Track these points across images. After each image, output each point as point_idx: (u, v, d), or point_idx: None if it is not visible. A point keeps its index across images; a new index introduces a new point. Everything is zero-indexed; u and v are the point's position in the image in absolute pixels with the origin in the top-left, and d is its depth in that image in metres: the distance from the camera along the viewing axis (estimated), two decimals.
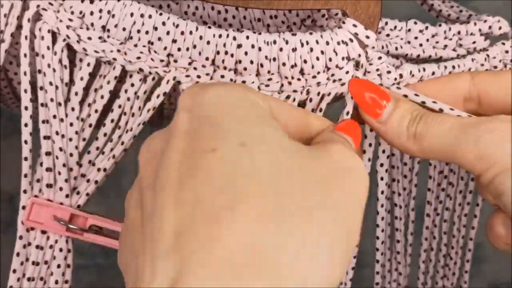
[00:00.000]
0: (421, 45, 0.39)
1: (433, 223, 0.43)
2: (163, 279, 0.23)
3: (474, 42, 0.40)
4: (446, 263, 0.43)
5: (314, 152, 0.28)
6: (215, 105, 0.27)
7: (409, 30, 0.39)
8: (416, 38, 0.39)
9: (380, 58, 0.37)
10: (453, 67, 0.38)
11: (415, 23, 0.39)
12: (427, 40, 0.39)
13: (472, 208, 0.43)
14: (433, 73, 0.38)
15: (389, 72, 0.37)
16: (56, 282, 0.37)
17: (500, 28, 0.40)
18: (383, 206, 0.40)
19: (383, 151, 0.39)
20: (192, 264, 0.23)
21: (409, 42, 0.39)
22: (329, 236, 0.25)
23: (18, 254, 0.37)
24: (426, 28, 0.39)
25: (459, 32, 0.39)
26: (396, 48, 0.39)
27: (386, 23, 0.38)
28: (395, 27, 0.38)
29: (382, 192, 0.39)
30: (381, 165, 0.39)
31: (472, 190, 0.42)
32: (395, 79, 0.37)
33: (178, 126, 0.27)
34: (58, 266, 0.37)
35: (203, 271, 0.23)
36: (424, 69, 0.37)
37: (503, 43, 0.40)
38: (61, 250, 0.37)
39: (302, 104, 0.37)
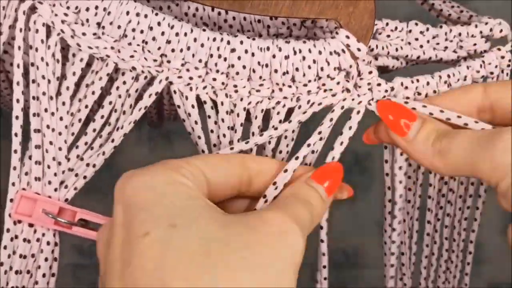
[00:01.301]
0: (421, 46, 0.39)
1: (434, 229, 0.43)
2: None
3: (474, 44, 0.40)
4: (448, 267, 0.44)
5: (245, 221, 0.30)
6: (143, 192, 0.30)
7: (410, 31, 0.39)
8: (416, 39, 0.39)
9: (370, 72, 0.37)
10: (448, 76, 0.38)
11: (416, 24, 0.39)
12: (428, 41, 0.39)
13: (472, 211, 0.43)
14: (428, 83, 0.38)
15: (379, 84, 0.38)
16: (44, 275, 0.37)
17: (501, 30, 0.40)
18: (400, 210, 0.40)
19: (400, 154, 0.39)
20: None
21: (409, 43, 0.39)
22: None
23: (5, 247, 0.37)
24: (427, 29, 0.39)
25: (460, 34, 0.39)
26: (396, 49, 0.39)
27: (387, 24, 0.38)
28: (396, 28, 0.38)
29: (400, 196, 0.40)
30: (400, 168, 0.40)
31: (472, 194, 0.43)
32: (386, 91, 0.38)
33: (115, 220, 0.30)
34: (46, 259, 0.37)
35: None
36: (417, 80, 0.38)
37: (499, 49, 0.39)
38: (48, 243, 0.37)
39: (291, 111, 0.38)
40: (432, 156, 0.35)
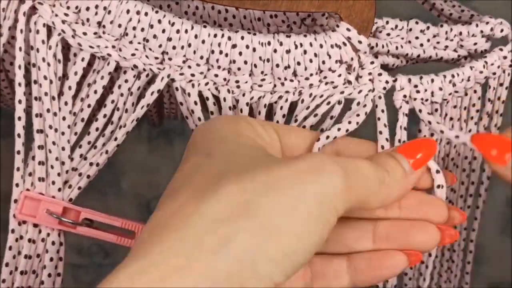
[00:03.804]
0: (421, 45, 0.39)
1: None
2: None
3: (475, 44, 0.40)
4: (449, 267, 0.44)
5: (280, 159, 0.30)
6: (203, 132, 0.32)
7: (410, 29, 0.39)
8: (417, 38, 0.39)
9: (372, 62, 0.37)
10: (453, 76, 0.38)
11: (417, 22, 0.39)
12: (428, 40, 0.39)
13: (472, 210, 0.43)
14: (432, 81, 0.38)
15: (380, 74, 0.38)
16: (49, 275, 0.37)
17: (502, 30, 0.40)
18: None
19: None
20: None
21: (409, 42, 0.39)
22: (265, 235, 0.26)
23: (10, 248, 0.37)
24: (428, 28, 0.39)
25: (460, 33, 0.40)
26: (397, 48, 0.39)
27: (387, 22, 0.38)
28: (396, 26, 0.38)
29: None
30: None
31: (472, 193, 0.42)
32: (387, 82, 0.38)
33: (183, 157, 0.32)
34: (51, 259, 0.37)
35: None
36: (421, 77, 0.38)
37: (501, 49, 0.39)
38: (53, 243, 0.37)
39: (294, 105, 0.38)
40: None
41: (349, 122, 0.36)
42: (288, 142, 0.33)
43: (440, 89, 0.38)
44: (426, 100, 0.38)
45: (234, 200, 0.27)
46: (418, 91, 0.38)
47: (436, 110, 0.39)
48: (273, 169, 0.28)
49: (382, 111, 0.37)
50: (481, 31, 0.40)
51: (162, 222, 0.27)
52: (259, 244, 0.26)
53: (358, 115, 0.37)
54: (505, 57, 0.39)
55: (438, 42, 0.40)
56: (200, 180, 0.28)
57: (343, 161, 0.30)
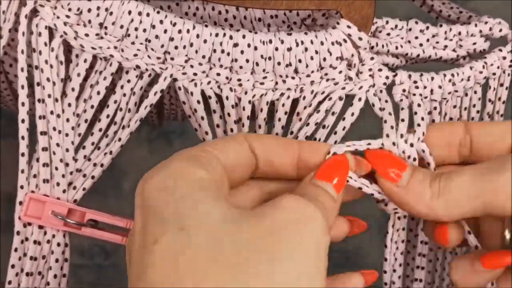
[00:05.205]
0: (421, 45, 0.40)
1: None
2: None
3: (474, 43, 0.40)
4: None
5: (259, 214, 0.29)
6: (156, 193, 0.29)
7: (410, 29, 0.39)
8: (416, 37, 0.40)
9: (372, 58, 0.38)
10: (452, 75, 0.39)
11: (416, 22, 0.39)
12: (427, 40, 0.40)
13: None
14: (432, 79, 0.39)
15: (380, 70, 0.38)
16: (55, 276, 0.37)
17: (500, 30, 0.40)
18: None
19: None
20: None
21: (409, 42, 0.40)
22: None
23: (16, 250, 0.37)
24: (427, 28, 0.40)
25: (459, 33, 0.40)
26: (396, 47, 0.39)
27: (387, 22, 0.39)
28: (396, 26, 0.39)
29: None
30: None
31: None
32: (387, 77, 0.38)
33: (135, 225, 0.29)
34: (56, 260, 0.37)
35: None
36: (421, 74, 0.39)
37: (500, 50, 0.40)
38: (58, 244, 0.37)
39: (296, 102, 0.38)
40: (430, 198, 0.33)
41: None
42: (228, 163, 0.32)
43: (440, 87, 0.39)
44: (426, 97, 0.39)
45: (254, 281, 0.26)
46: (417, 87, 0.38)
47: (435, 108, 0.39)
48: (257, 232, 0.27)
49: (386, 101, 0.38)
50: (480, 31, 0.40)
51: None
52: None
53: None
54: (504, 58, 0.40)
55: (437, 42, 0.40)
56: (199, 272, 0.26)
57: (314, 200, 0.30)
